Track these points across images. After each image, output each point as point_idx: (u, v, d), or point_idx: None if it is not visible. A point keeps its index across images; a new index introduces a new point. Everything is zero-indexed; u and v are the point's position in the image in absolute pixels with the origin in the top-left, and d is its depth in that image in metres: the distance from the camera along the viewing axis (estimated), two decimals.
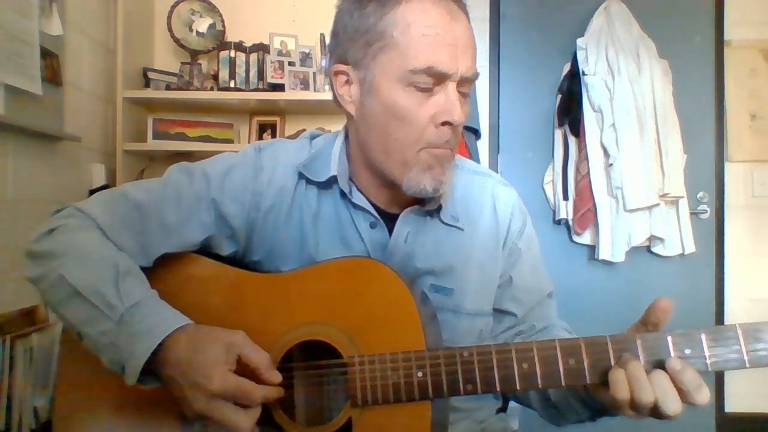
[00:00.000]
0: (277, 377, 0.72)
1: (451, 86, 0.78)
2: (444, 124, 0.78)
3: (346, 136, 0.91)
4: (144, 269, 0.82)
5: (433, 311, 0.83)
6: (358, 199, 0.87)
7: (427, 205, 0.87)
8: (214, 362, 0.69)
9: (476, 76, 0.81)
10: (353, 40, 0.81)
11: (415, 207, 0.87)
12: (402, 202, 0.87)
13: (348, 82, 0.84)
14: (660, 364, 0.66)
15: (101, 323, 0.73)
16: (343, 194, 0.87)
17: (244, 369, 0.71)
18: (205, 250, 0.88)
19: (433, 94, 0.78)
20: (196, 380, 0.69)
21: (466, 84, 0.81)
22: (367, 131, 0.84)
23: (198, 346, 0.71)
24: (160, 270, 0.84)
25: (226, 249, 0.88)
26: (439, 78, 0.77)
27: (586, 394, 0.76)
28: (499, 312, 0.94)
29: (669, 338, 0.67)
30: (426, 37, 0.76)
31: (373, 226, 0.87)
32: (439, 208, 0.88)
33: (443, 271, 0.88)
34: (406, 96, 0.78)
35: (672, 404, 0.64)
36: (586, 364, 0.69)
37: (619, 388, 0.65)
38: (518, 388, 0.71)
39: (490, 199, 0.94)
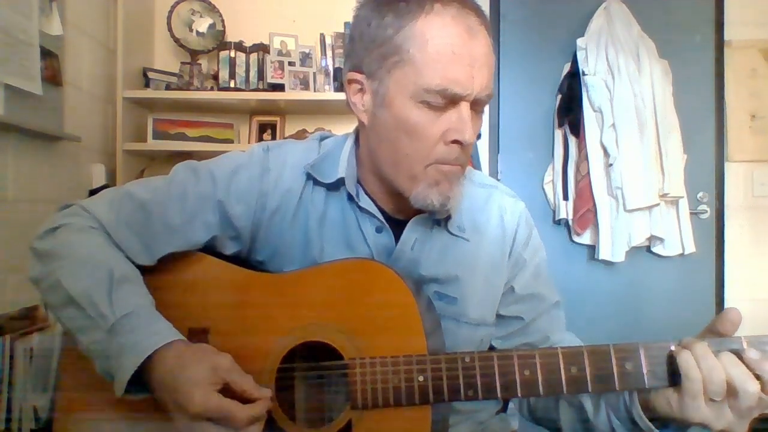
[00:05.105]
0: (265, 393, 0.71)
1: (464, 105, 0.76)
2: (454, 142, 0.77)
3: (356, 139, 0.91)
4: (148, 268, 0.82)
5: (437, 317, 0.83)
6: (366, 202, 0.86)
7: (437, 214, 0.86)
8: (196, 381, 0.68)
9: (490, 97, 0.79)
10: (369, 50, 0.79)
11: (424, 215, 0.87)
12: (409, 209, 0.86)
13: (362, 91, 0.83)
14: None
15: (93, 332, 0.73)
16: (350, 197, 0.86)
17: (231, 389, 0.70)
18: (209, 248, 0.87)
19: (445, 111, 0.77)
20: (178, 399, 0.68)
21: (481, 103, 0.79)
22: (378, 142, 0.83)
23: (184, 364, 0.70)
24: (163, 268, 0.84)
25: (229, 249, 0.88)
26: (453, 99, 0.76)
27: (645, 410, 0.71)
28: (504, 317, 0.93)
29: (673, 347, 0.67)
30: (442, 56, 0.74)
31: (379, 230, 0.87)
32: (448, 217, 0.87)
33: (448, 279, 0.87)
34: (418, 113, 0.77)
35: (750, 384, 0.61)
36: (588, 373, 0.69)
37: (691, 368, 0.63)
38: (519, 394, 0.70)
39: (498, 210, 0.93)
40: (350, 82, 0.84)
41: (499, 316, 0.93)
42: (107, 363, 0.72)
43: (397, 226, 0.87)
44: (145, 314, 0.75)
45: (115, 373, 0.71)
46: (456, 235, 0.89)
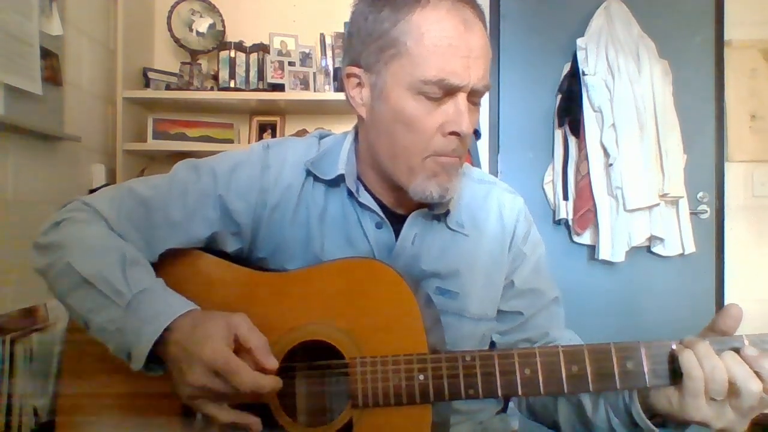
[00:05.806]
0: (272, 363, 0.69)
1: (461, 96, 0.77)
2: (452, 133, 0.78)
3: (356, 136, 0.91)
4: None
5: (437, 315, 0.83)
6: (365, 198, 0.87)
7: (436, 209, 0.87)
8: (210, 335, 0.69)
9: (487, 88, 0.80)
10: (366, 43, 0.80)
11: (424, 210, 0.87)
12: (409, 204, 0.87)
13: (360, 85, 0.84)
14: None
15: (108, 310, 0.74)
16: (350, 193, 0.87)
17: (244, 356, 0.69)
18: (211, 246, 0.88)
19: (442, 103, 0.78)
20: (192, 350, 0.69)
21: (478, 94, 0.80)
22: (376, 135, 0.84)
23: (199, 323, 0.71)
24: (164, 266, 0.84)
25: (231, 246, 0.88)
26: (450, 90, 0.77)
27: (645, 408, 0.72)
28: (504, 313, 0.93)
29: (674, 346, 0.67)
30: (438, 48, 0.75)
31: (378, 226, 0.87)
32: (447, 212, 0.88)
33: (449, 274, 0.88)
34: (415, 104, 0.78)
35: (753, 383, 0.61)
36: (589, 371, 0.69)
37: (693, 368, 0.63)
38: (520, 393, 0.70)
39: (497, 206, 0.94)
40: (348, 76, 0.85)
41: (499, 312, 0.93)
42: (123, 339, 0.73)
43: (398, 221, 0.87)
44: (161, 290, 0.77)
45: (132, 348, 0.72)
46: (455, 231, 0.89)
